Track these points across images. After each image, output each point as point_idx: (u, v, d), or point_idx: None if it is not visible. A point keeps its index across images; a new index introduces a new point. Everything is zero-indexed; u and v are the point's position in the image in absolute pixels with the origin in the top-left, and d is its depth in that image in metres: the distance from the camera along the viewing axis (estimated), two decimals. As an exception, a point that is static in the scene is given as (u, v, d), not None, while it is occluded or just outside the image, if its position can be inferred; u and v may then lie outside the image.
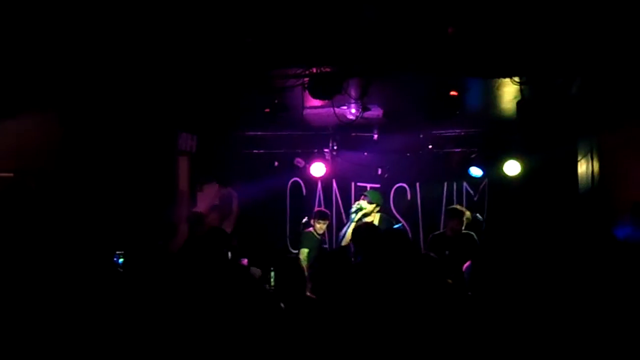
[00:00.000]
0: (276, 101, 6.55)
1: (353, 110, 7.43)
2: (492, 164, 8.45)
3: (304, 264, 5.66)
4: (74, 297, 4.33)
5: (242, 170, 9.01)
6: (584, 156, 5.97)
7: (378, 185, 9.00)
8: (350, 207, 7.87)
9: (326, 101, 6.95)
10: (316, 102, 7.18)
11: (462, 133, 8.64)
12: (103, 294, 4.48)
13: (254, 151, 9.06)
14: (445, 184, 9.05)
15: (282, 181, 9.29)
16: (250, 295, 4.93)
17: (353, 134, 8.81)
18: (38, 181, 6.12)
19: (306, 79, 6.17)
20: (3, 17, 5.53)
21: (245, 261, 6.60)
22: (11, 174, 6.20)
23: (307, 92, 6.59)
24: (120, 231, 5.95)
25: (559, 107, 6.12)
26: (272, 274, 5.85)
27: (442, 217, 8.87)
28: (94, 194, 6.17)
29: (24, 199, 5.82)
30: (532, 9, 5.72)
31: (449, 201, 8.96)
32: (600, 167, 5.55)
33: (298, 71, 6.20)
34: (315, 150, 8.91)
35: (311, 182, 9.26)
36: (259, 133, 8.95)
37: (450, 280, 4.96)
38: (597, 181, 5.60)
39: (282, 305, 4.64)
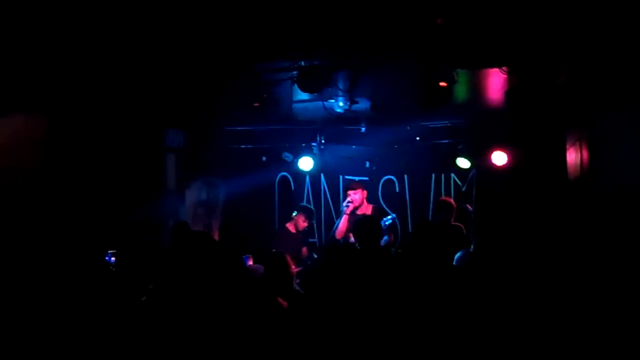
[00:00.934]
0: (265, 95, 6.52)
1: (341, 104, 7.40)
2: (479, 155, 8.47)
3: None
4: (66, 295, 4.29)
5: (229, 166, 8.98)
6: (573, 145, 5.99)
7: (366, 178, 9.01)
8: (339, 201, 7.87)
9: (314, 95, 6.94)
10: (304, 96, 7.16)
11: (450, 124, 8.64)
12: (95, 293, 4.44)
13: (242, 146, 9.02)
14: (434, 175, 9.09)
15: (271, 176, 9.29)
16: (242, 294, 4.93)
17: (340, 128, 8.78)
18: (25, 180, 6.04)
19: (295, 72, 6.13)
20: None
21: (250, 260, 6.53)
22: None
23: (295, 85, 6.56)
24: (109, 229, 5.91)
25: (547, 96, 6.14)
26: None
27: (431, 208, 8.94)
28: (81, 193, 6.10)
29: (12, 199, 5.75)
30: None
31: (437, 193, 9.01)
32: (590, 155, 5.57)
33: (286, 64, 6.17)
34: (303, 145, 8.88)
35: (299, 176, 9.25)
36: (247, 128, 8.91)
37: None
38: (587, 169, 5.63)
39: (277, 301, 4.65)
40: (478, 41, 6.10)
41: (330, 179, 9.30)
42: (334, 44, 6.09)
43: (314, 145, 8.88)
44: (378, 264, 4.95)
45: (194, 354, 4.19)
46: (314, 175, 9.22)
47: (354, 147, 9.07)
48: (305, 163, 8.83)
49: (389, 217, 7.07)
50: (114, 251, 4.97)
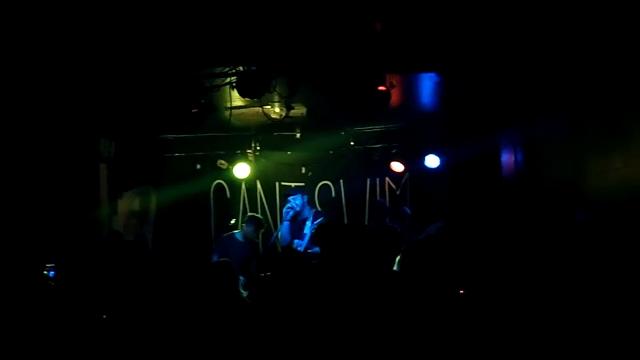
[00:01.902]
0: (203, 101, 6.42)
1: (277, 110, 7.41)
2: (412, 158, 8.66)
3: None
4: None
5: (163, 174, 8.80)
6: (506, 147, 6.22)
7: (302, 184, 9.03)
8: (275, 207, 7.82)
9: (250, 101, 6.90)
10: (239, 102, 7.11)
11: (383, 129, 8.78)
12: (34, 306, 4.28)
13: (175, 154, 8.86)
14: (368, 179, 9.18)
15: (205, 184, 9.14)
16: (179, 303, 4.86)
17: (275, 134, 8.77)
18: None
19: (233, 78, 6.07)
20: None
21: None
22: None
23: (232, 91, 6.51)
24: (44, 241, 5.68)
25: (480, 100, 6.33)
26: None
27: (367, 212, 9.05)
28: (13, 204, 5.84)
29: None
30: (452, 6, 5.91)
31: (372, 196, 9.12)
32: (524, 157, 5.79)
33: (225, 70, 6.10)
34: (238, 152, 8.80)
35: (235, 183, 9.16)
36: (180, 135, 8.74)
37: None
38: (521, 171, 5.84)
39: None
40: (413, 46, 6.23)
41: (267, 186, 9.25)
42: (272, 50, 6.08)
43: (249, 152, 8.83)
44: (341, 271, 4.94)
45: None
46: (250, 182, 9.15)
47: (289, 153, 9.07)
48: (241, 170, 8.75)
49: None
50: (53, 265, 4.77)
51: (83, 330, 4.26)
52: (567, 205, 4.80)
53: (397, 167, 8.82)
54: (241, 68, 6.08)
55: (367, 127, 8.78)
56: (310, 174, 9.13)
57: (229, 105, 7.08)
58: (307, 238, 7.58)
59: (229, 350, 4.39)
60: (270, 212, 9.12)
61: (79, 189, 6.63)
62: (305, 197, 8.02)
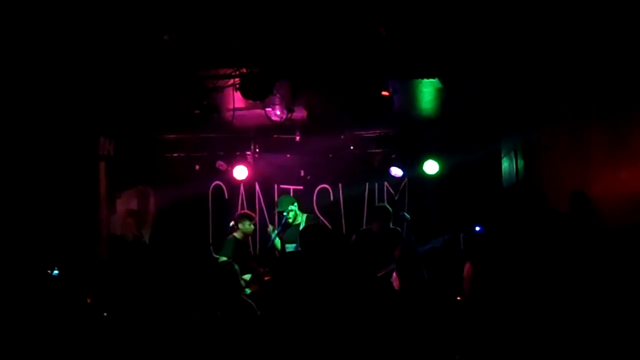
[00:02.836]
0: (205, 102, 6.43)
1: (278, 112, 7.41)
2: (411, 164, 8.66)
3: None
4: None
5: (162, 174, 8.77)
6: (507, 154, 6.23)
7: (301, 187, 9.03)
8: (274, 210, 7.80)
9: (250, 103, 6.91)
10: (241, 104, 7.11)
11: (383, 134, 8.79)
12: (35, 303, 4.27)
13: (174, 154, 8.83)
14: (367, 184, 9.19)
15: (204, 185, 9.13)
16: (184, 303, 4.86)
17: (275, 136, 8.77)
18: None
19: (237, 80, 6.08)
20: None
21: None
22: None
23: (234, 93, 6.52)
24: (43, 239, 5.66)
25: (481, 106, 6.35)
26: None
27: (365, 216, 9.06)
28: (12, 202, 5.82)
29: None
30: (456, 13, 5.94)
31: (371, 201, 9.13)
32: (525, 164, 5.80)
33: (228, 71, 6.11)
34: (238, 153, 8.79)
35: (233, 185, 9.15)
36: (179, 136, 8.73)
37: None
38: (522, 178, 5.86)
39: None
40: (415, 53, 6.26)
41: (265, 188, 9.25)
42: (275, 53, 6.10)
43: (248, 154, 8.83)
44: (327, 271, 4.96)
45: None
46: (249, 184, 9.14)
47: (288, 155, 9.07)
48: (240, 172, 8.74)
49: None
50: (56, 264, 4.76)
51: (82, 328, 4.25)
52: (573, 212, 4.82)
53: (396, 172, 8.83)
54: (244, 70, 6.10)
55: (367, 132, 8.79)
56: (309, 177, 9.12)
57: (230, 106, 7.09)
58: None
59: (229, 350, 4.38)
60: (268, 214, 9.12)
61: (77, 187, 6.61)
62: (296, 204, 8.01)
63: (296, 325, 4.39)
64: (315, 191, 9.19)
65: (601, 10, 5.24)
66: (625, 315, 3.98)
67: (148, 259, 5.82)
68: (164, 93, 6.78)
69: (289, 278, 4.65)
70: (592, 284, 4.20)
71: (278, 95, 6.81)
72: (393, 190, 9.17)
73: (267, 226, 8.59)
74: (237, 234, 7.85)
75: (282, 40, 5.91)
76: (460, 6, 5.96)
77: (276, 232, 7.73)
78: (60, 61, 6.06)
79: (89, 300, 4.62)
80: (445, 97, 6.96)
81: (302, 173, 9.14)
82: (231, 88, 6.41)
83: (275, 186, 9.24)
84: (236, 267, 5.18)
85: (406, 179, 9.00)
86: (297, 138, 8.76)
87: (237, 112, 7.48)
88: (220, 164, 8.86)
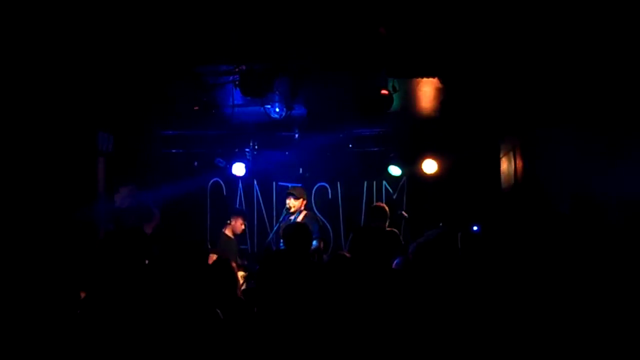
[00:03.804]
0: (204, 99, 6.42)
1: (277, 109, 7.41)
2: (410, 163, 8.67)
3: None
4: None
5: (160, 170, 8.77)
6: (506, 154, 6.23)
7: (300, 185, 9.03)
8: (272, 207, 7.83)
9: (249, 100, 6.91)
10: (240, 101, 7.11)
11: (382, 132, 8.79)
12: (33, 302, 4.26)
13: (173, 151, 8.85)
14: (365, 182, 9.21)
15: (202, 181, 9.15)
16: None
17: (274, 134, 8.77)
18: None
19: (237, 76, 6.08)
20: None
21: None
22: None
23: (235, 90, 6.51)
24: (41, 236, 5.65)
25: (481, 106, 6.35)
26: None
27: (363, 215, 9.07)
28: (9, 197, 5.81)
29: None
30: (456, 13, 5.93)
31: (369, 199, 9.15)
32: (524, 164, 5.81)
33: (228, 68, 6.11)
34: (236, 150, 8.80)
35: (232, 182, 9.17)
36: (178, 132, 8.74)
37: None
38: (520, 178, 5.86)
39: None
40: (415, 51, 6.25)
41: (263, 185, 9.26)
42: (275, 50, 6.09)
43: (247, 151, 8.84)
44: (308, 269, 4.98)
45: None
46: (247, 181, 9.16)
47: (287, 153, 9.08)
48: (238, 169, 8.76)
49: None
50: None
51: (81, 326, 4.23)
52: (575, 213, 4.83)
53: (394, 170, 8.84)
54: (244, 67, 6.09)
55: (366, 130, 8.79)
56: (307, 174, 9.14)
57: (230, 103, 7.10)
58: None
59: (228, 349, 4.37)
60: (266, 211, 9.13)
61: (76, 182, 6.59)
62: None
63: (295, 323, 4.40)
64: (314, 189, 9.21)
65: (601, 11, 5.25)
66: (626, 315, 3.99)
67: (145, 255, 5.77)
68: (164, 89, 6.77)
69: (269, 275, 4.66)
70: (592, 285, 4.20)
71: (280, 92, 6.80)
72: (391, 189, 9.19)
73: (264, 223, 8.64)
74: (226, 230, 7.91)
75: (282, 37, 5.90)
76: (460, 6, 5.96)
77: (275, 228, 7.73)
78: (59, 56, 6.04)
79: (82, 295, 4.58)
80: (444, 95, 6.96)
81: (301, 170, 9.14)
82: (231, 84, 6.39)
83: (274, 183, 9.26)
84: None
85: (404, 178, 9.02)
86: (296, 135, 8.78)
87: (238, 109, 7.49)
88: (219, 161, 8.88)
